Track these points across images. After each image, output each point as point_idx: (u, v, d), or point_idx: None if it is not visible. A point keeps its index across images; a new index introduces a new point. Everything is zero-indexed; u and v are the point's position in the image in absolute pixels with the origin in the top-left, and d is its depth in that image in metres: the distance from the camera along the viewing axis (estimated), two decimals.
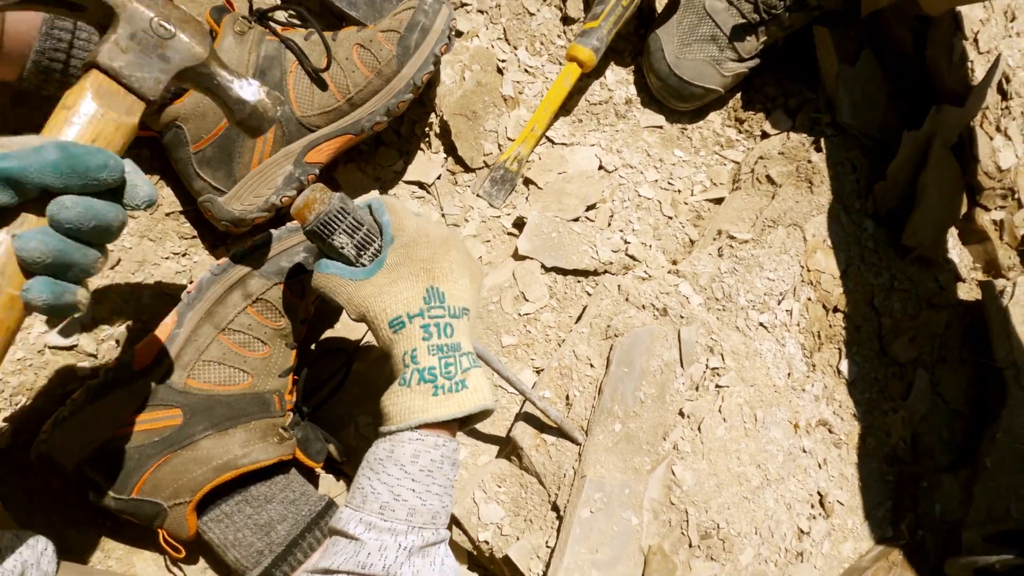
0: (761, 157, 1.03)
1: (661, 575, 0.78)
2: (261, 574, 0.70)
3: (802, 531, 0.87)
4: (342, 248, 0.63)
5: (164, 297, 0.80)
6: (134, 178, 0.49)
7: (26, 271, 0.45)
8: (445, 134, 0.96)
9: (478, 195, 0.97)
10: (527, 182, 0.99)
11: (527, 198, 0.98)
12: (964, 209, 1.08)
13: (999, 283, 1.06)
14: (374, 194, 0.93)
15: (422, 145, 0.96)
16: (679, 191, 1.02)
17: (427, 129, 0.96)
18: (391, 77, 0.79)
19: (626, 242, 0.96)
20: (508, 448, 0.85)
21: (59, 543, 0.54)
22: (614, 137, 1.04)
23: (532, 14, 1.02)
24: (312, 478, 0.83)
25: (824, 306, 0.95)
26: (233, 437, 0.69)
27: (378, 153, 0.94)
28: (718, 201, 1.02)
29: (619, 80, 1.06)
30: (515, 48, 1.02)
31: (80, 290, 0.47)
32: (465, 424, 0.64)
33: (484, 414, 0.63)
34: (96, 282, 0.77)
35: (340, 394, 0.83)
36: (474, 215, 0.96)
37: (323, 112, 0.79)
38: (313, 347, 0.87)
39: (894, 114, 1.06)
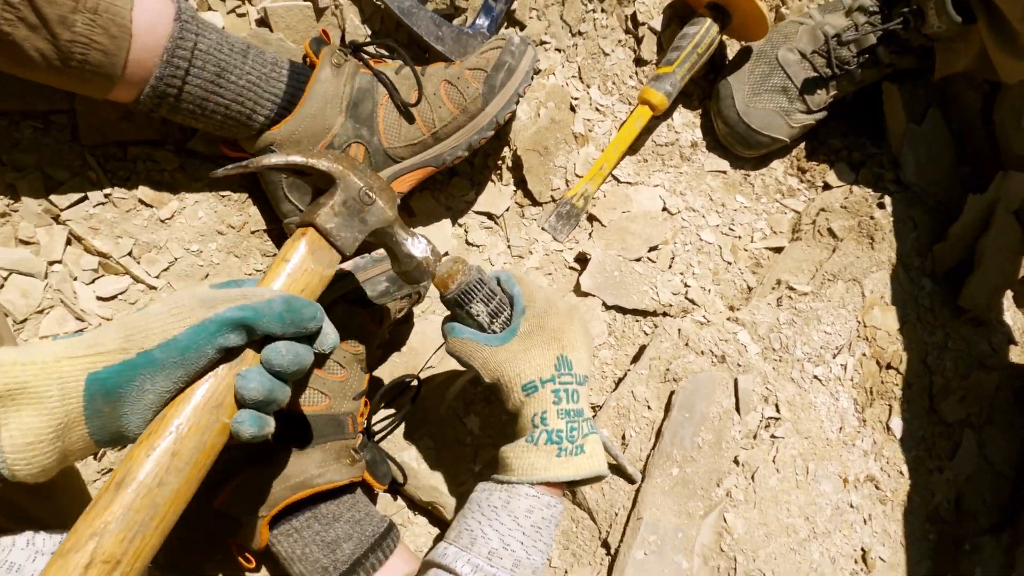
0: (823, 209, 1.04)
1: None
2: None
3: None
4: (478, 316, 0.68)
5: None
6: (325, 326, 0.56)
7: (239, 404, 0.52)
8: (517, 167, 0.98)
9: (543, 228, 1.00)
10: (591, 219, 1.01)
11: (590, 234, 1.00)
12: (1022, 273, 1.09)
13: None
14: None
15: (493, 177, 0.99)
16: (739, 237, 1.04)
17: (499, 162, 0.99)
18: (476, 114, 0.82)
19: (686, 285, 0.98)
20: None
21: None
22: (678, 179, 1.05)
23: (607, 54, 1.04)
24: (372, 497, 0.86)
25: (878, 362, 0.96)
26: (311, 457, 0.72)
27: (451, 183, 0.97)
28: (778, 250, 1.04)
29: (686, 123, 1.08)
30: (588, 87, 1.04)
31: (272, 422, 0.54)
32: (575, 485, 0.68)
33: (596, 479, 0.67)
34: None
35: (405, 416, 0.85)
36: (538, 248, 0.99)
37: (409, 144, 0.82)
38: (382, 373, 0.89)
39: (957, 176, 1.07)
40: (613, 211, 1.01)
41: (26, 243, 0.76)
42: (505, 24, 1.00)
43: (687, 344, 0.91)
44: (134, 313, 0.52)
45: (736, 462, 0.86)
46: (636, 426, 0.87)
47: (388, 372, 0.88)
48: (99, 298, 0.77)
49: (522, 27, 1.01)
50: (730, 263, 1.02)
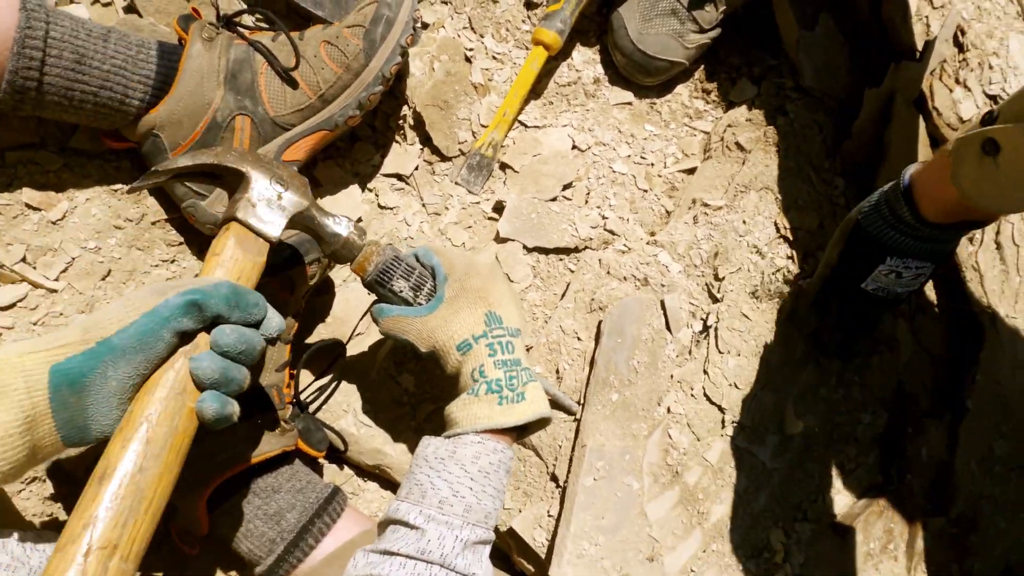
0: (729, 125, 1.05)
1: None
2: (274, 562, 0.72)
3: None
4: (401, 292, 0.71)
5: None
6: (269, 312, 0.59)
7: (199, 386, 0.54)
8: (419, 125, 0.98)
9: (456, 183, 0.99)
10: (503, 166, 1.01)
11: (504, 182, 1.00)
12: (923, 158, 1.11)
13: (971, 233, 1.09)
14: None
15: (397, 138, 0.98)
16: (652, 164, 1.05)
17: (401, 122, 0.98)
18: (360, 71, 0.81)
19: (604, 218, 0.98)
20: None
21: None
22: (585, 116, 1.06)
23: (495, 1, 1.04)
24: (316, 469, 0.86)
25: (806, 264, 0.97)
26: (236, 432, 0.71)
27: (355, 148, 0.96)
28: (691, 171, 1.05)
29: (586, 60, 1.08)
30: (481, 36, 1.03)
31: (235, 404, 0.56)
32: (523, 434, 0.69)
33: (541, 424, 0.69)
34: (89, 293, 0.78)
35: (337, 383, 0.85)
36: (454, 203, 0.98)
37: (296, 110, 0.80)
38: (308, 341, 0.88)
39: (856, 75, 1.08)
40: (524, 156, 1.01)
41: None
42: None
43: (609, 272, 0.91)
44: (92, 312, 0.53)
45: (673, 379, 0.87)
46: (568, 359, 0.88)
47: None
48: None
49: None
50: (646, 191, 1.03)
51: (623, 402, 0.86)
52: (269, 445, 0.72)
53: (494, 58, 1.03)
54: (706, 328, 0.91)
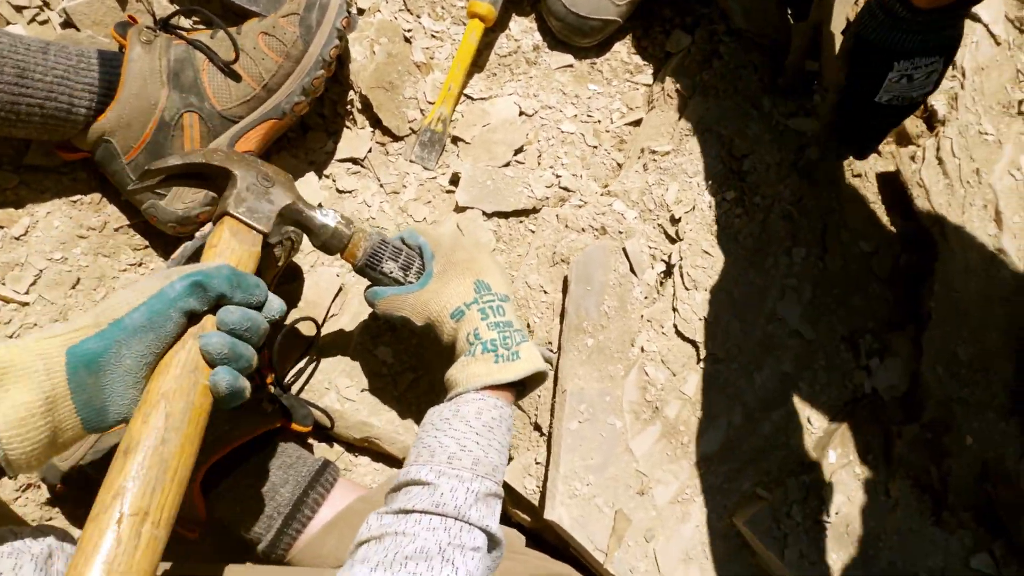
0: (669, 75, 1.08)
1: None
2: (274, 536, 0.74)
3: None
4: (391, 273, 0.74)
5: None
6: (270, 296, 0.62)
7: (210, 363, 0.56)
8: (367, 108, 1.00)
9: (411, 161, 1.02)
10: (455, 140, 1.04)
11: (458, 154, 1.03)
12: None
13: (910, 150, 1.13)
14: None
15: (347, 123, 1.00)
16: (599, 121, 1.08)
17: (349, 107, 1.00)
18: (300, 57, 0.83)
19: (557, 176, 1.01)
20: None
21: None
22: (529, 83, 1.08)
23: None
24: (305, 446, 0.88)
25: (757, 194, 1.00)
26: (219, 415, 0.73)
27: (307, 138, 0.98)
28: (636, 123, 1.08)
29: (523, 29, 1.11)
30: (418, 16, 1.06)
31: (246, 380, 0.59)
32: (521, 393, 0.72)
33: (538, 379, 0.71)
34: (60, 303, 0.80)
35: (316, 363, 0.87)
36: (411, 180, 1.01)
37: (242, 102, 0.82)
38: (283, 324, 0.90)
39: (784, 11, 1.12)
40: (473, 127, 1.04)
41: None
42: None
43: (567, 226, 0.94)
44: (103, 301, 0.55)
45: (643, 319, 0.90)
46: (537, 312, 0.90)
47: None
48: None
49: None
50: (595, 147, 1.05)
51: (598, 346, 0.89)
52: (253, 424, 0.74)
53: (433, 36, 1.06)
54: (669, 268, 0.94)
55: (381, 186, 1.00)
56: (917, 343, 1.05)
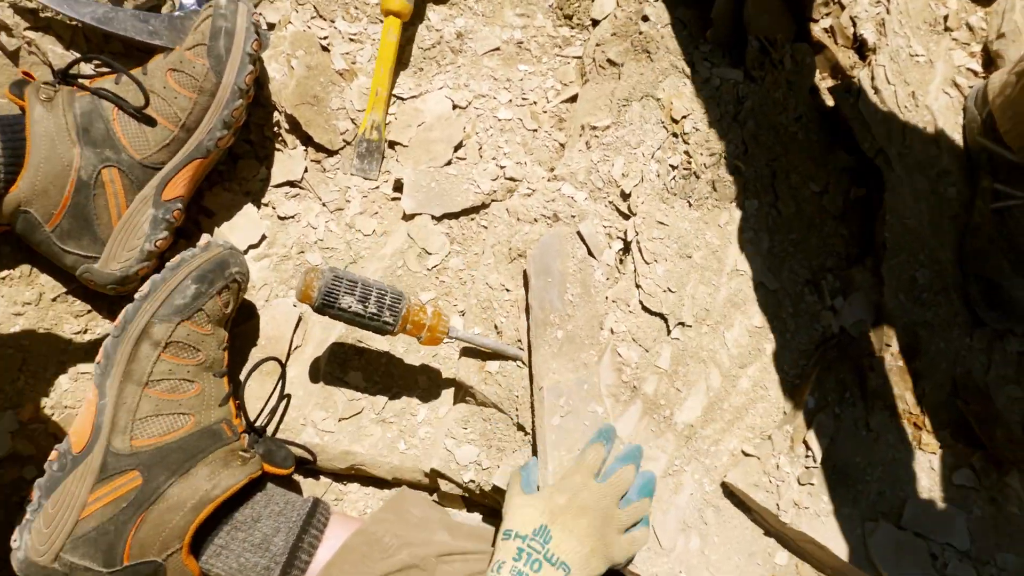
0: (598, 44, 1.06)
1: None
2: None
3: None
4: (350, 308, 0.73)
5: (82, 377, 0.80)
6: None
7: None
8: (296, 128, 0.96)
9: (352, 174, 0.99)
10: (392, 144, 1.00)
11: (397, 159, 1.00)
12: (795, 28, 1.14)
13: (846, 84, 1.13)
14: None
15: (277, 146, 0.96)
16: (535, 103, 1.05)
17: (276, 129, 0.96)
18: (214, 90, 0.79)
19: (501, 167, 0.99)
20: (460, 392, 0.89)
21: None
22: (458, 74, 1.05)
23: None
24: (293, 487, 0.86)
25: (702, 153, 1.00)
26: (197, 475, 0.71)
27: (238, 168, 0.94)
28: (573, 99, 1.06)
29: (443, 18, 1.07)
30: (332, 22, 1.01)
31: None
32: None
33: None
34: (8, 388, 0.76)
35: (288, 400, 0.85)
36: (353, 193, 0.98)
37: (162, 147, 0.78)
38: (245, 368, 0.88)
39: None
40: (409, 129, 1.01)
41: None
42: None
43: (519, 219, 0.92)
44: None
45: (609, 300, 0.90)
46: (503, 312, 0.89)
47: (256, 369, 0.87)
48: None
49: None
50: (535, 130, 1.03)
51: (567, 336, 0.88)
52: (234, 478, 0.72)
53: (351, 40, 1.02)
54: (627, 244, 0.94)
55: (324, 205, 0.97)
56: (877, 274, 1.07)
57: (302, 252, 0.93)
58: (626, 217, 0.94)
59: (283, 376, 0.83)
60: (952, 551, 0.96)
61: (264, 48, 0.91)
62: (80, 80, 0.79)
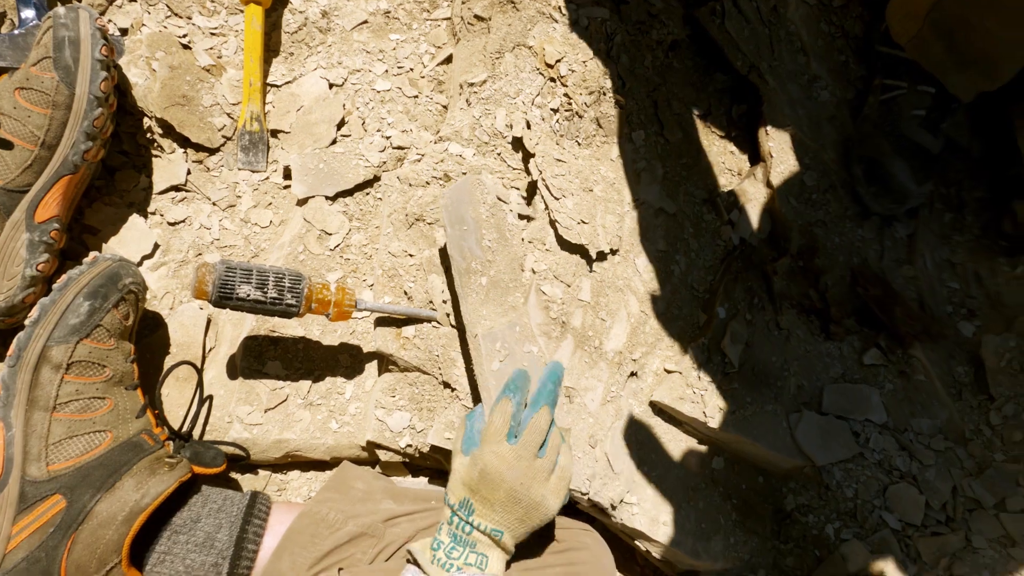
0: (463, 2, 1.07)
1: None
2: None
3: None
4: (249, 296, 0.73)
5: None
6: None
7: None
8: (170, 131, 0.94)
9: (239, 169, 0.97)
10: (275, 133, 0.99)
11: (282, 147, 0.99)
12: None
13: (709, 7, 1.16)
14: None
15: (154, 152, 0.94)
16: (411, 70, 1.05)
17: (149, 135, 0.94)
18: (69, 103, 0.77)
19: (387, 138, 0.99)
20: (383, 362, 0.90)
21: None
22: (329, 53, 1.04)
23: None
24: (231, 486, 0.86)
25: (581, 93, 1.02)
26: (124, 487, 0.70)
27: (116, 180, 0.92)
28: (449, 61, 1.06)
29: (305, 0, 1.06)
30: (188, 18, 0.99)
31: None
32: None
33: None
34: None
35: (209, 402, 0.84)
36: (244, 188, 0.97)
37: (23, 169, 0.76)
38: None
39: None
40: (288, 115, 1.00)
41: None
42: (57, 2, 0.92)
43: (411, 184, 0.93)
44: None
45: (526, 241, 0.91)
46: (409, 277, 0.90)
47: (173, 376, 0.86)
48: None
49: None
50: (415, 96, 1.04)
51: (491, 282, 0.89)
52: (163, 484, 0.72)
53: (212, 34, 1.00)
54: (533, 184, 0.95)
55: (214, 204, 0.95)
56: (768, 183, 1.12)
57: (200, 254, 0.92)
58: (516, 170, 0.95)
59: (200, 378, 0.82)
60: (872, 426, 1.02)
61: (120, 54, 0.88)
62: None
